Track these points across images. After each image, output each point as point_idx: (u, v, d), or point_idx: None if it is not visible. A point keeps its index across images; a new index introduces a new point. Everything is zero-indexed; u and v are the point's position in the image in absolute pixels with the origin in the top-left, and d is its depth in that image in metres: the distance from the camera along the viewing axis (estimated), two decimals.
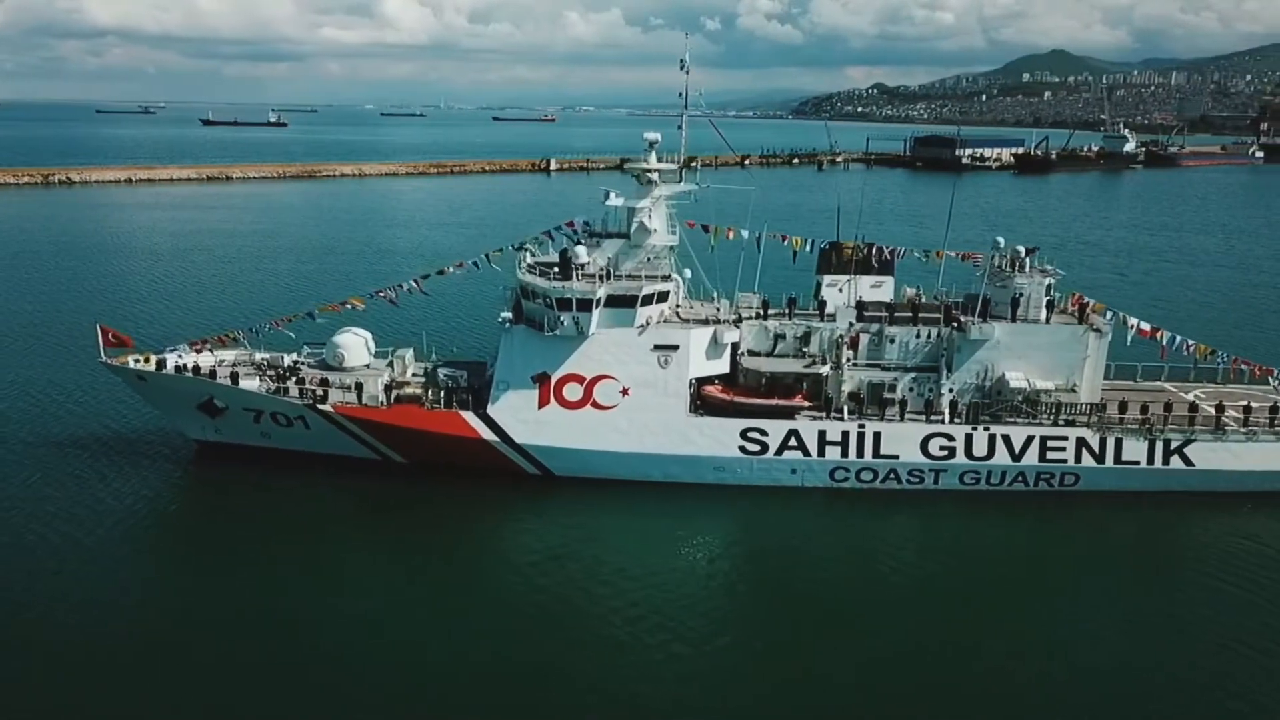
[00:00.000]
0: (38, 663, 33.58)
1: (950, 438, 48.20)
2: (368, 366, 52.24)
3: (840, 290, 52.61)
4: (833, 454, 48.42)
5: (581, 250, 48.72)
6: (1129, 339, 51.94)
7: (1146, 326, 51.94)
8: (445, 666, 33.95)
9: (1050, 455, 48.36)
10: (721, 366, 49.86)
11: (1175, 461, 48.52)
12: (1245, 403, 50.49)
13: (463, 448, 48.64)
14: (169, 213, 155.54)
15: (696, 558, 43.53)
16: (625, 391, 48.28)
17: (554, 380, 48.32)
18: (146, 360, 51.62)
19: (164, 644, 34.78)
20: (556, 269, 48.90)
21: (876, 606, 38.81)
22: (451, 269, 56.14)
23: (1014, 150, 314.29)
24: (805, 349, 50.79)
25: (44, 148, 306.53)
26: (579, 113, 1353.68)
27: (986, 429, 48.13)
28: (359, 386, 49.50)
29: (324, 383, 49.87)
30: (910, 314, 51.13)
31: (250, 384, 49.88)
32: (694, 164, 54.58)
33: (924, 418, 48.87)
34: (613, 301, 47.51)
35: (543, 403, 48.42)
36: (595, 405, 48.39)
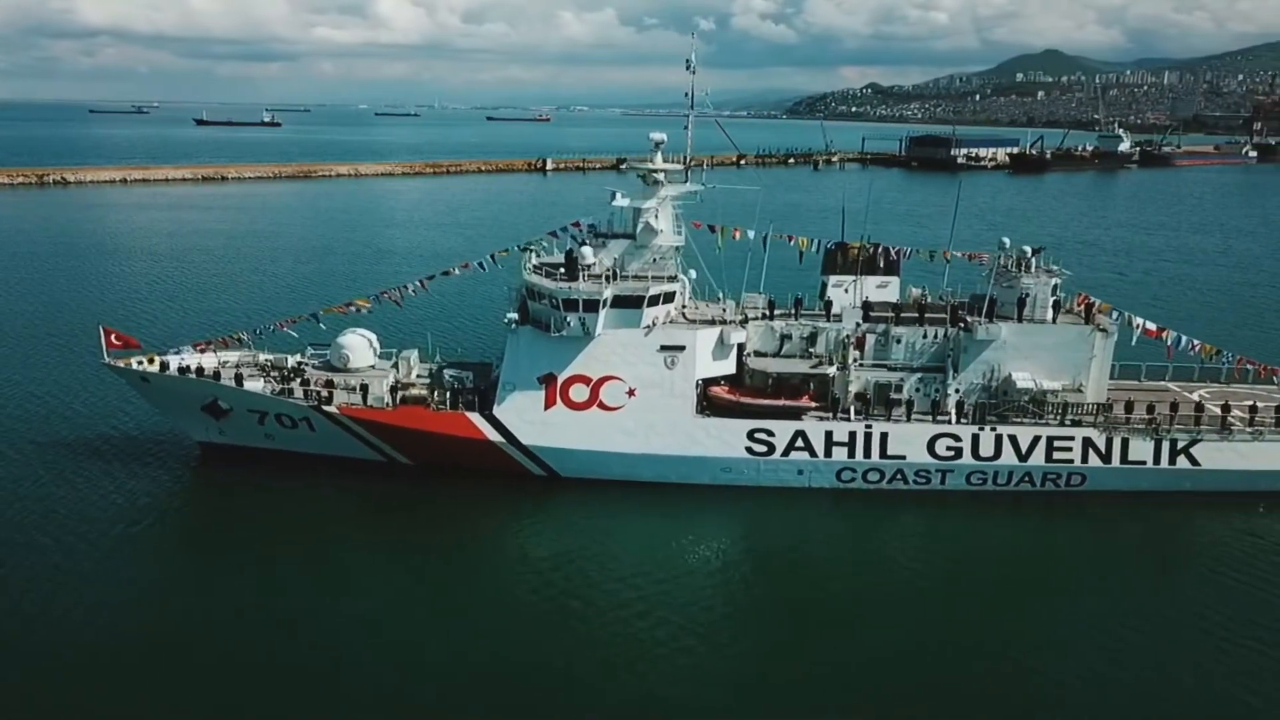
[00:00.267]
0: (43, 663, 33.49)
1: (957, 438, 48.16)
2: (372, 368, 52.08)
3: (846, 291, 52.53)
4: (839, 455, 48.35)
5: (587, 251, 48.58)
6: (1134, 339, 51.91)
7: (1152, 326, 51.93)
8: (451, 667, 33.87)
9: (1057, 455, 48.33)
10: (728, 367, 49.77)
11: (1181, 461, 48.54)
12: (1251, 402, 50.48)
13: (468, 449, 48.49)
14: (166, 213, 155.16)
15: (703, 559, 43.43)
16: (631, 392, 48.16)
17: (560, 381, 48.19)
18: (151, 361, 51.39)
19: (169, 645, 34.71)
20: (562, 270, 48.75)
21: (883, 607, 38.79)
22: (457, 270, 56.01)
23: (1009, 150, 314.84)
24: (811, 349, 50.71)
25: (38, 148, 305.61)
26: (573, 113, 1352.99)
27: (993, 429, 48.09)
28: (364, 388, 49.31)
29: (329, 384, 49.69)
30: (916, 314, 51.06)
31: (255, 385, 49.68)
32: (691, 164, 54.34)
33: (930, 418, 48.84)
34: (619, 302, 47.40)
35: (549, 404, 48.28)
36: (601, 406, 48.26)
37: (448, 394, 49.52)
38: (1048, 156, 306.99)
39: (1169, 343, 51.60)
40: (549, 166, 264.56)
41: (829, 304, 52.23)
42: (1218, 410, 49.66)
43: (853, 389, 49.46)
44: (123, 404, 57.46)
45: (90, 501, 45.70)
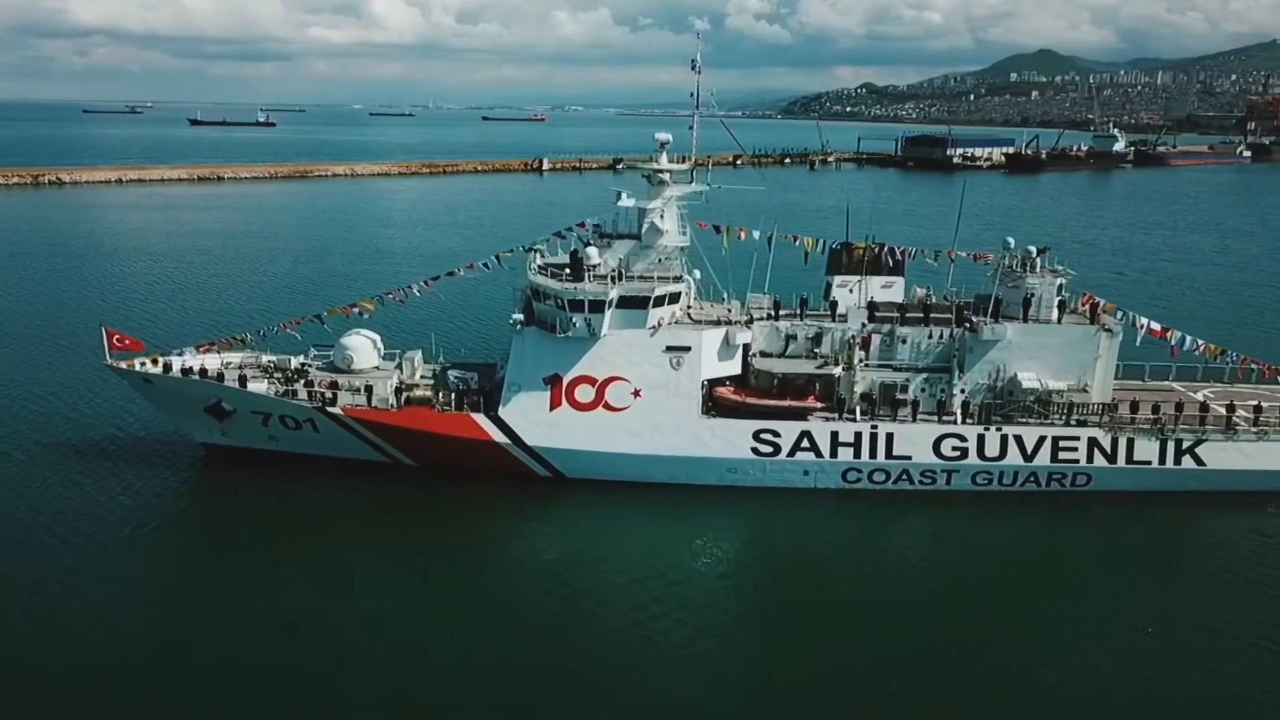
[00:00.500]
0: (49, 664, 33.46)
1: (962, 438, 48.14)
2: (376, 369, 51.92)
3: (851, 291, 52.48)
4: (845, 455, 48.31)
5: (593, 251, 48.47)
6: (1138, 339, 51.93)
7: (1157, 326, 51.97)
8: (456, 669, 33.83)
9: (1062, 455, 48.36)
10: (733, 368, 49.70)
11: (1187, 461, 48.60)
12: (1255, 402, 50.53)
13: (474, 450, 48.35)
14: (163, 213, 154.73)
15: (709, 559, 43.42)
16: (637, 393, 48.06)
17: (565, 382, 48.08)
18: (154, 363, 51.15)
19: (173, 646, 34.66)
20: (568, 270, 48.63)
21: (890, 607, 38.79)
22: (461, 270, 55.86)
23: (1004, 150, 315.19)
24: (817, 350, 50.67)
25: (32, 148, 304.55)
26: (568, 112, 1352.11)
27: (999, 429, 48.08)
28: (369, 389, 49.17)
29: (333, 385, 49.52)
30: (922, 315, 51.02)
31: (258, 387, 49.48)
32: (696, 164, 54.16)
33: (936, 418, 48.80)
34: (625, 303, 47.32)
35: (554, 404, 48.17)
36: (607, 407, 48.16)
37: (453, 395, 49.38)
38: (1043, 156, 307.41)
39: (1173, 343, 51.63)
40: (545, 167, 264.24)
41: (834, 304, 52.16)
42: (1223, 410, 49.72)
43: (858, 389, 49.43)
44: (125, 406, 57.22)
45: (94, 504, 45.54)
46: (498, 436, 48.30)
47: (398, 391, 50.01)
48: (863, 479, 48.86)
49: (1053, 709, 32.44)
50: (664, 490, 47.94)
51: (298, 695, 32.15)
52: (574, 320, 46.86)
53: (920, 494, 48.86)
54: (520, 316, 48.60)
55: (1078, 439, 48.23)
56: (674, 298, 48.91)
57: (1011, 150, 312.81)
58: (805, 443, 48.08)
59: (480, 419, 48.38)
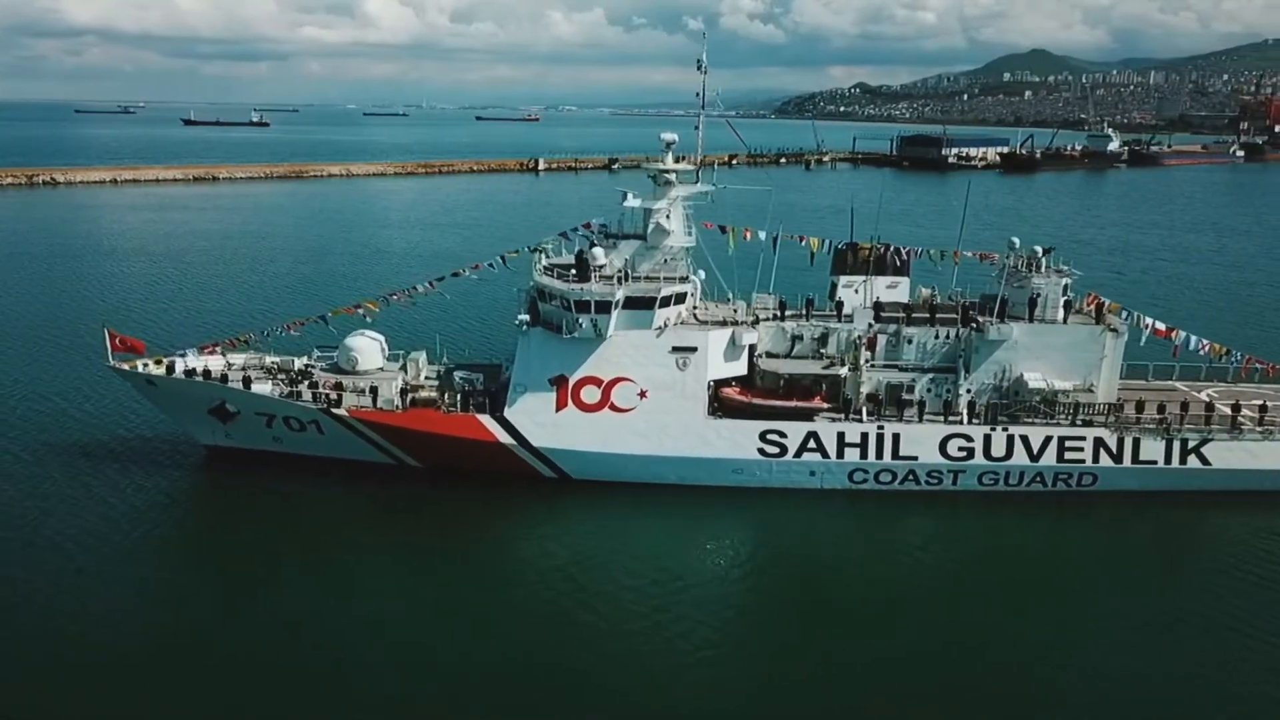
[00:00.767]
0: (51, 665, 33.41)
1: (969, 438, 48.12)
2: (381, 370, 51.80)
3: (856, 291, 52.43)
4: (851, 456, 48.25)
5: (599, 252, 48.34)
6: (1143, 339, 51.95)
7: (1162, 326, 52.00)
8: (461, 671, 33.71)
9: (1068, 455, 48.36)
10: (739, 368, 49.60)
11: (1192, 461, 48.62)
12: (1260, 402, 50.61)
13: (479, 451, 48.20)
14: (160, 214, 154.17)
15: (715, 560, 43.32)
16: (643, 394, 47.96)
17: (571, 383, 47.96)
18: (158, 364, 50.93)
19: (178, 647, 34.55)
20: (573, 271, 48.50)
21: (896, 607, 38.74)
22: (467, 271, 55.67)
23: (999, 149, 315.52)
24: (823, 350, 50.60)
25: (25, 148, 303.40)
26: (562, 112, 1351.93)
27: (1005, 429, 48.07)
28: (374, 390, 48.99)
29: (338, 386, 49.34)
30: (928, 315, 50.98)
31: (262, 388, 49.28)
32: (701, 164, 53.98)
33: (942, 419, 48.77)
34: (631, 303, 47.20)
35: (560, 405, 48.05)
36: (613, 408, 48.05)
37: (458, 396, 49.23)
38: (1038, 156, 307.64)
39: (1178, 343, 51.64)
40: (541, 167, 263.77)
41: (840, 304, 52.10)
42: (1228, 410, 49.77)
43: (864, 390, 49.37)
44: (127, 407, 57.00)
45: (97, 505, 45.34)
46: (503, 438, 48.16)
47: (403, 393, 49.86)
48: (869, 479, 48.80)
49: (1061, 709, 32.40)
50: (670, 491, 47.85)
51: (302, 697, 32.04)
52: (580, 321, 46.73)
53: (926, 494, 48.82)
54: (526, 317, 48.48)
55: (1084, 439, 48.23)
56: (680, 298, 48.82)
57: (1006, 150, 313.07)
58: (811, 443, 48.01)
59: (486, 420, 48.23)
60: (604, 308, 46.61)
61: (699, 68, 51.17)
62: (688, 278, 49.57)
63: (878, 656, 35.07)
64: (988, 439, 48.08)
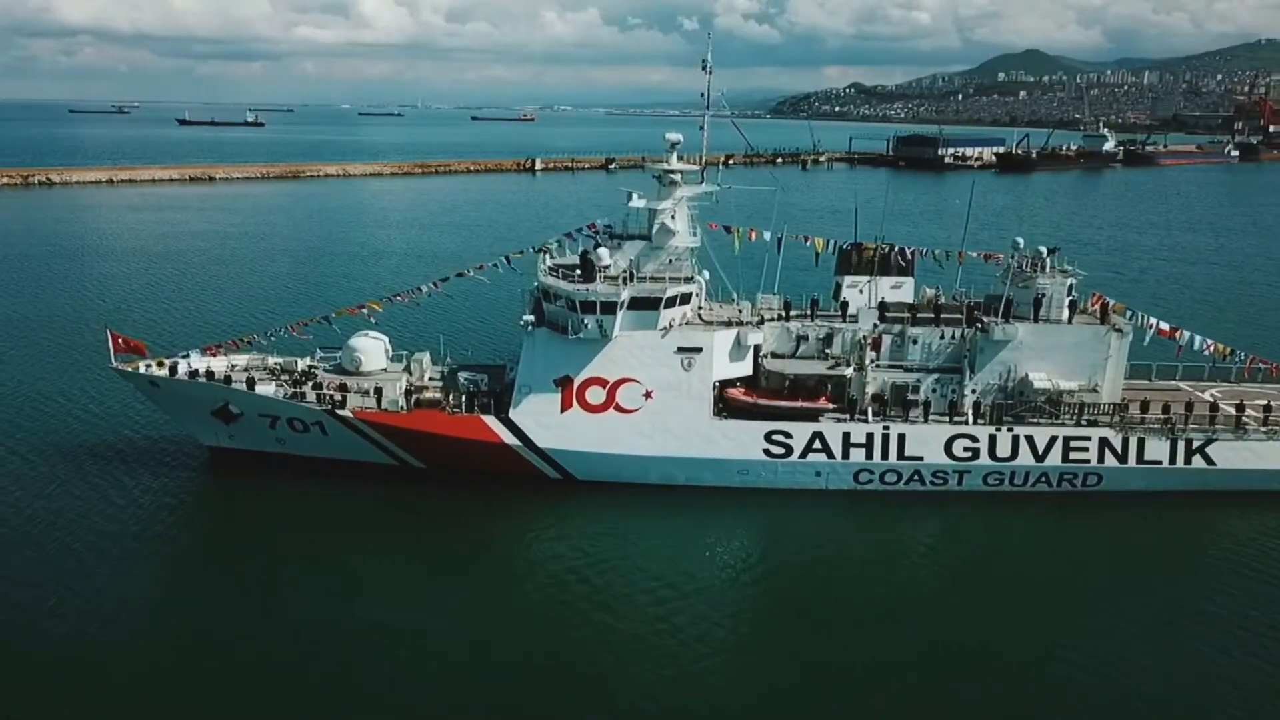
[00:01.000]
0: (54, 666, 33.36)
1: (974, 439, 48.10)
2: (385, 371, 51.64)
3: (861, 291, 52.37)
4: (857, 456, 48.21)
5: (604, 252, 48.23)
6: (1146, 339, 51.96)
7: (1166, 326, 52.01)
8: (468, 672, 33.69)
9: (1073, 455, 48.38)
10: (745, 369, 49.52)
11: (1197, 461, 48.67)
12: (1265, 402, 50.66)
13: (484, 452, 48.08)
14: (157, 214, 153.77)
15: (721, 561, 43.22)
16: (648, 394, 47.87)
17: (577, 383, 47.86)
18: (160, 365, 50.70)
19: (182, 649, 34.55)
20: (578, 271, 48.39)
21: (902, 608, 38.72)
22: (471, 271, 55.49)
23: (995, 149, 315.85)
24: (828, 350, 50.53)
25: (19, 148, 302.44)
26: (557, 112, 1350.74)
27: (1010, 430, 48.06)
28: (378, 391, 48.82)
29: (342, 388, 49.17)
30: (933, 315, 50.94)
31: (266, 389, 49.08)
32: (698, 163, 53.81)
33: (947, 419, 48.73)
34: (636, 304, 47.11)
35: (565, 406, 47.93)
36: (618, 409, 47.95)
37: (463, 397, 49.08)
38: (1034, 156, 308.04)
39: (1182, 343, 51.65)
40: (538, 166, 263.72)
41: (845, 305, 52.04)
42: (1232, 410, 49.79)
43: (869, 390, 49.33)
44: (130, 409, 56.82)
45: (100, 507, 45.19)
46: (508, 439, 48.04)
47: (407, 394, 49.71)
48: (874, 480, 48.77)
49: (1068, 709, 32.43)
50: (675, 492, 47.81)
51: (307, 698, 32.01)
52: (585, 321, 46.63)
53: (932, 495, 48.80)
54: (531, 318, 48.35)
55: (1089, 439, 48.24)
56: (685, 299, 48.73)
57: (1002, 150, 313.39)
58: (817, 444, 47.97)
59: (491, 421, 48.10)
60: (609, 308, 46.50)
61: (704, 68, 51.07)
62: (693, 278, 49.51)
63: (884, 657, 35.06)
64: (993, 439, 48.06)
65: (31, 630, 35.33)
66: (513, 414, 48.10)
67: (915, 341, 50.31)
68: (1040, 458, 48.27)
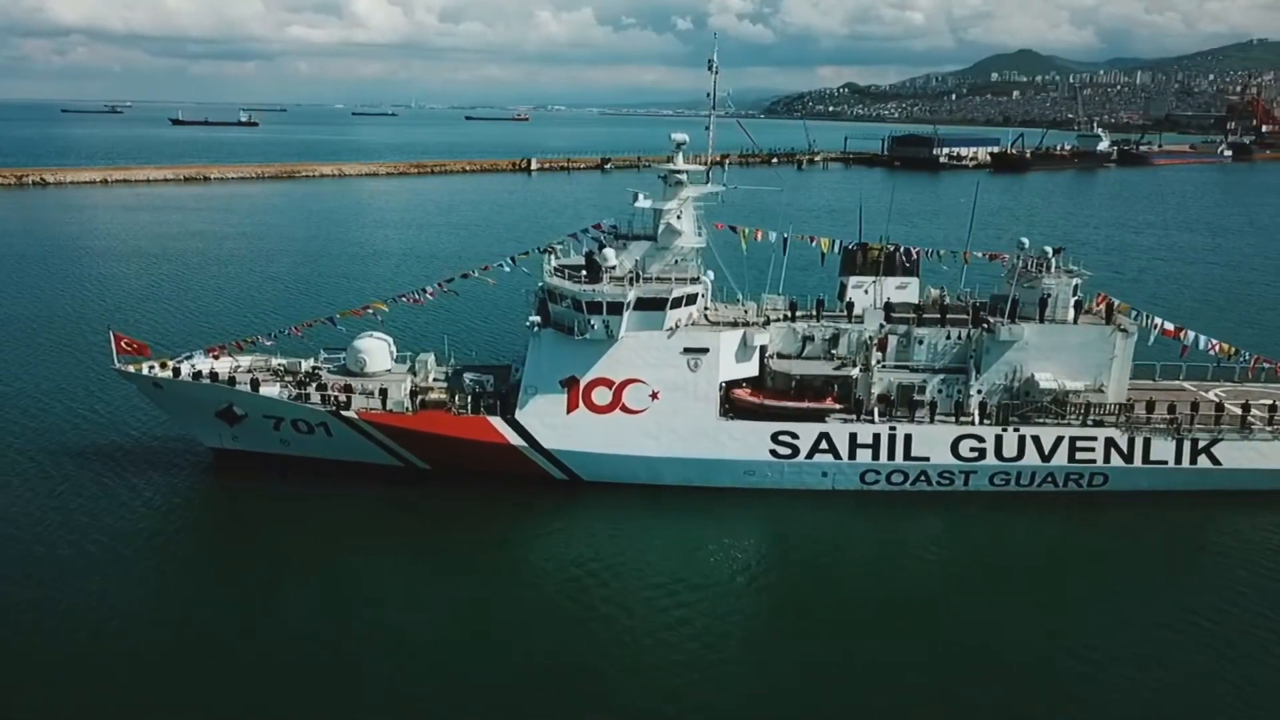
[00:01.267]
0: (56, 668, 33.29)
1: (980, 439, 48.08)
2: (389, 372, 51.44)
3: (866, 292, 52.32)
4: (863, 456, 48.17)
5: (610, 253, 48.12)
6: (1151, 339, 51.98)
7: (1170, 326, 52.03)
8: (473, 673, 33.58)
9: (1079, 456, 48.39)
10: (751, 369, 49.45)
11: (1203, 461, 48.70)
12: (1270, 402, 50.71)
13: (490, 453, 47.93)
14: (153, 214, 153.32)
15: (728, 563, 43.10)
16: (655, 395, 47.77)
17: (583, 384, 47.74)
18: (163, 366, 50.47)
19: (186, 651, 34.40)
20: (584, 272, 48.26)
21: (909, 608, 38.68)
22: (476, 272, 55.29)
23: (990, 149, 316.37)
24: (834, 351, 50.47)
25: (12, 148, 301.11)
26: (551, 112, 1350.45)
27: (1016, 430, 48.05)
28: (383, 392, 48.62)
29: (347, 389, 48.99)
30: (938, 315, 50.91)
31: (271, 390, 48.87)
32: (711, 164, 53.72)
33: (954, 419, 48.70)
34: (642, 304, 47.00)
35: (571, 407, 47.81)
36: (624, 409, 47.84)
37: (469, 398, 48.93)
38: (1028, 156, 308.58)
39: (1186, 342, 51.67)
40: (534, 166, 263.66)
41: (850, 305, 51.98)
42: (1237, 410, 49.84)
43: (875, 390, 49.28)
44: (132, 410, 56.56)
45: (103, 509, 45.01)
46: (514, 439, 47.90)
47: (412, 395, 49.53)
48: (881, 480, 48.73)
49: (1074, 709, 32.42)
50: (681, 493, 47.70)
51: (312, 700, 31.92)
52: (591, 322, 46.50)
53: (938, 495, 48.78)
54: (537, 318, 48.22)
55: (1095, 439, 48.25)
56: (691, 299, 48.65)
57: (997, 150, 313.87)
58: (823, 444, 47.92)
59: (497, 422, 47.95)
60: (615, 309, 46.38)
61: (709, 68, 50.97)
62: (699, 279, 49.40)
63: (891, 657, 35.03)
64: (999, 439, 48.05)
65: (34, 631, 35.22)
66: (518, 415, 47.96)
67: (921, 342, 50.27)
68: (1046, 458, 48.27)
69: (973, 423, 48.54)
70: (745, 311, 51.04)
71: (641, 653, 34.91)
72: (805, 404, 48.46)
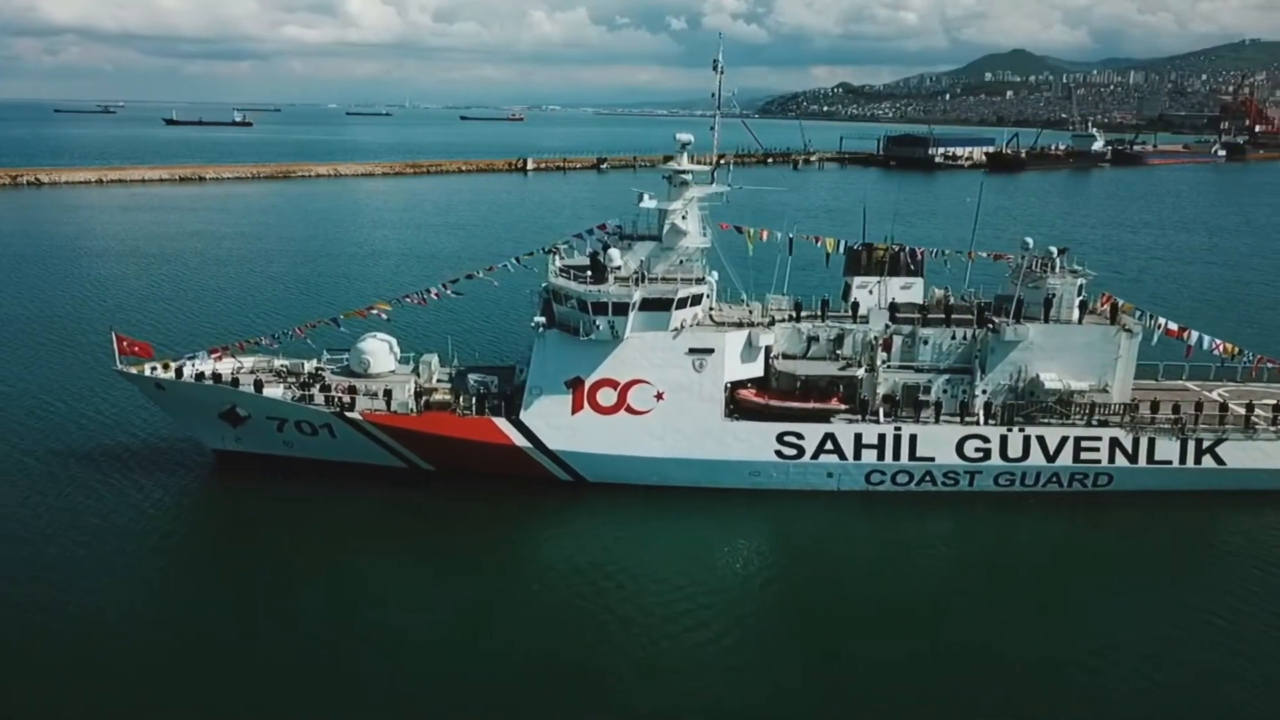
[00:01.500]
0: (59, 667, 33.25)
1: (985, 439, 48.06)
2: (393, 373, 51.29)
3: (871, 292, 52.27)
4: (869, 457, 48.13)
5: (615, 253, 48.03)
6: (1155, 339, 52.01)
7: (1174, 326, 52.05)
8: (478, 675, 33.51)
9: (1084, 456, 48.40)
10: (756, 370, 49.36)
11: (1207, 461, 48.72)
12: (1274, 402, 50.80)
13: (495, 454, 47.81)
14: (149, 214, 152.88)
15: (733, 563, 43.07)
16: (660, 396, 47.68)
17: (588, 385, 47.63)
18: (166, 368, 50.27)
19: (191, 652, 34.26)
20: (589, 272, 48.15)
21: (914, 609, 38.64)
22: (481, 273, 55.11)
23: (985, 149, 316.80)
24: (839, 351, 50.41)
25: (5, 148, 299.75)
26: (546, 112, 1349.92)
27: (1021, 430, 48.04)
28: (388, 393, 48.48)
29: (351, 390, 48.83)
30: (943, 316, 50.88)
31: (274, 392, 48.68)
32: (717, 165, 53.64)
33: (959, 419, 48.68)
34: (648, 305, 46.90)
35: (576, 408, 47.69)
36: (629, 410, 47.74)
37: (473, 399, 48.80)
38: (1023, 156, 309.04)
39: (1190, 342, 51.71)
40: (530, 166, 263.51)
41: (855, 305, 51.94)
42: (1241, 410, 49.89)
43: (881, 391, 49.24)
44: (133, 412, 56.32)
45: (106, 510, 44.80)
46: (519, 440, 47.78)
47: (417, 396, 49.38)
48: (886, 481, 48.69)
49: (1080, 709, 32.42)
50: (687, 494, 47.58)
51: (316, 702, 31.80)
52: (597, 323, 46.39)
53: (943, 496, 48.76)
54: (542, 319, 48.11)
55: (1099, 439, 48.26)
56: (696, 299, 48.55)
57: (992, 149, 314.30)
58: (829, 445, 47.85)
59: (501, 423, 47.83)
60: (621, 309, 46.28)
61: (714, 68, 50.87)
62: (704, 279, 49.30)
63: (896, 657, 34.99)
64: (1004, 440, 48.04)
65: (36, 631, 35.09)
66: (523, 416, 47.84)
67: (926, 342, 50.23)
68: (1051, 458, 48.27)
69: (978, 423, 48.51)
70: (750, 312, 50.96)
71: (646, 654, 34.84)
72: (810, 404, 48.40)
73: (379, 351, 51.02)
